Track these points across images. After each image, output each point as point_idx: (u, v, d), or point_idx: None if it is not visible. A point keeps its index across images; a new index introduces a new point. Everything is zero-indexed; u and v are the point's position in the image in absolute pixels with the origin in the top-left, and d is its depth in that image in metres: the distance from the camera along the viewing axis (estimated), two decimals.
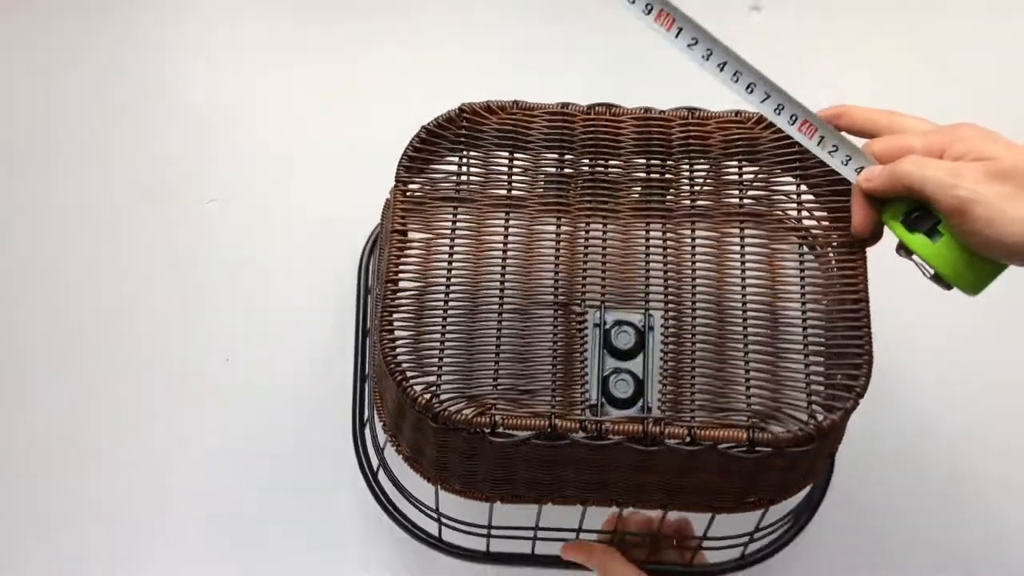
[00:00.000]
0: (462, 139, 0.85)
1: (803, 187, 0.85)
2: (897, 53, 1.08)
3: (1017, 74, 1.08)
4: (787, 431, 0.78)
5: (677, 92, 1.04)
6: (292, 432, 1.07)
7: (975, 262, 0.73)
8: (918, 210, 0.75)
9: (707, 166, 0.86)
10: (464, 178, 0.85)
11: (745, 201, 0.85)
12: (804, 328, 0.82)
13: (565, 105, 0.85)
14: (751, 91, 0.78)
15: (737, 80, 0.78)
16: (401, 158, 0.84)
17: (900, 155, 0.75)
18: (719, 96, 1.04)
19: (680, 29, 0.77)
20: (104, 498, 1.06)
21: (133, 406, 1.07)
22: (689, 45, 0.77)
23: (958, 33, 1.07)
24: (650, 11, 0.77)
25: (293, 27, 1.06)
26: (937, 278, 0.76)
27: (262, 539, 1.06)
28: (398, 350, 0.80)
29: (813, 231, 0.84)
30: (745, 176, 0.86)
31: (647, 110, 0.86)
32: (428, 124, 0.84)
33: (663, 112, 0.86)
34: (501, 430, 0.78)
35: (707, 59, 0.78)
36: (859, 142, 0.78)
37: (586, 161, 0.85)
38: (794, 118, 0.79)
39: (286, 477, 1.07)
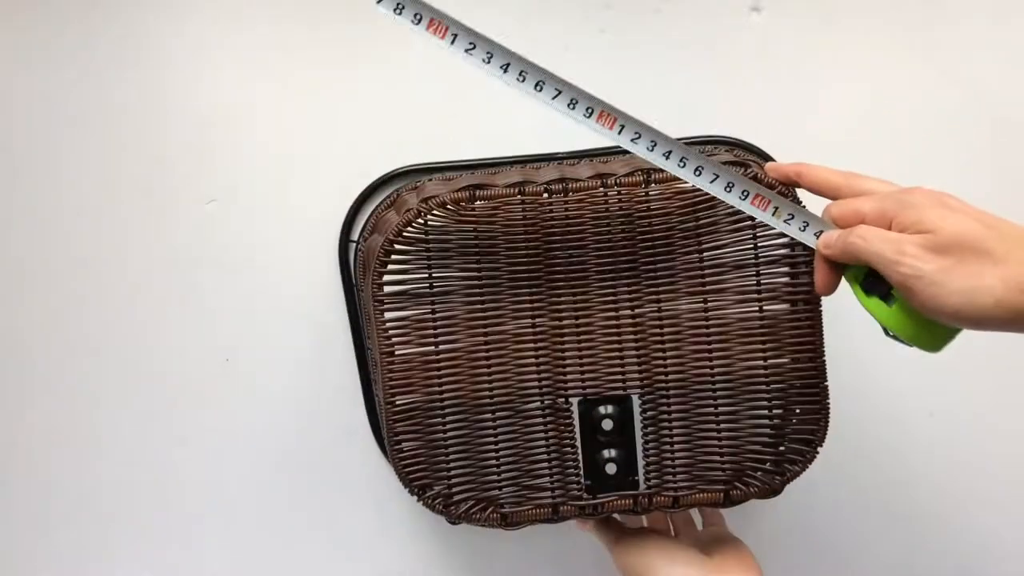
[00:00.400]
0: (426, 246, 0.87)
1: (759, 245, 0.89)
2: (898, 54, 1.06)
3: (1018, 75, 1.08)
4: (756, 486, 0.89)
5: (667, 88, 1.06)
6: (293, 432, 1.09)
7: (929, 324, 0.75)
8: (873, 275, 0.76)
9: (667, 240, 0.89)
10: (437, 288, 0.88)
11: (706, 269, 0.89)
12: (768, 386, 0.90)
13: (522, 188, 0.87)
14: (699, 174, 0.80)
15: (684, 166, 0.79)
16: (373, 275, 0.87)
17: (854, 221, 0.76)
18: (700, 98, 1.06)
19: (622, 126, 0.79)
20: (104, 498, 1.09)
21: (133, 406, 1.08)
22: (633, 139, 0.79)
23: (959, 34, 1.05)
24: (591, 114, 0.79)
25: (294, 27, 1.03)
26: (896, 337, 0.78)
27: (264, 539, 1.11)
28: (409, 467, 0.89)
29: (772, 288, 0.89)
30: (704, 242, 0.89)
31: (603, 180, 0.87)
32: (390, 235, 0.86)
33: (618, 180, 0.87)
34: (511, 521, 0.89)
35: (651, 150, 0.79)
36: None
37: (551, 255, 0.88)
38: (745, 193, 0.80)
39: (287, 477, 1.10)
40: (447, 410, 0.88)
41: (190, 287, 1.07)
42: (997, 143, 1.07)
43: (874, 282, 0.76)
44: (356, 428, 1.09)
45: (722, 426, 0.90)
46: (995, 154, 1.07)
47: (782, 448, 0.90)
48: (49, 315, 1.07)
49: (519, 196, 0.86)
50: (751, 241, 0.88)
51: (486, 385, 0.88)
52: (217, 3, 1.05)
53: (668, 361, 0.89)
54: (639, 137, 0.79)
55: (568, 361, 0.89)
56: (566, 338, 0.89)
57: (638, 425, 0.90)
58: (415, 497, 0.89)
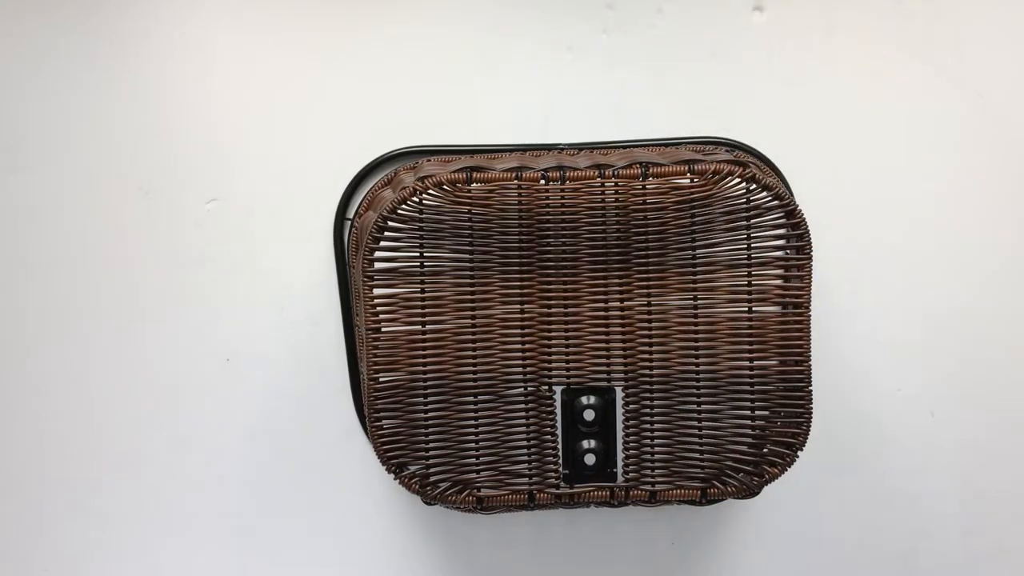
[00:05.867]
0: (419, 224, 0.87)
1: (753, 246, 0.89)
2: (898, 54, 1.05)
3: (1019, 76, 1.07)
4: (735, 485, 0.89)
5: (667, 88, 1.05)
6: (293, 432, 1.09)
7: None
8: None
9: (660, 235, 0.89)
10: (428, 267, 0.88)
11: (698, 266, 0.89)
12: (752, 387, 0.90)
13: (519, 173, 0.87)
14: None
15: None
16: (364, 252, 0.87)
17: None
18: (701, 97, 1.06)
19: None
20: (104, 499, 1.09)
21: (133, 407, 1.08)
22: None
23: (959, 34, 1.05)
24: None
25: (295, 28, 1.03)
26: None
27: (264, 538, 1.10)
28: (387, 445, 0.89)
29: (762, 290, 0.89)
30: (698, 239, 0.89)
31: (601, 171, 0.87)
32: (384, 211, 0.87)
33: (616, 171, 0.87)
34: (487, 505, 0.90)
35: None
36: None
37: (544, 243, 0.88)
38: None
39: (287, 477, 1.09)
40: (429, 390, 0.88)
41: (190, 287, 1.07)
42: (997, 142, 1.06)
43: None
44: (349, 419, 1.08)
45: (704, 424, 0.90)
46: (995, 153, 1.06)
47: (764, 450, 0.90)
48: (49, 314, 1.07)
49: (515, 181, 0.86)
50: (745, 242, 0.88)
51: (470, 368, 0.88)
52: (219, 3, 1.04)
53: (654, 356, 0.89)
54: None
55: (554, 349, 0.89)
56: (553, 326, 0.89)
57: (620, 418, 0.90)
58: (392, 475, 0.89)
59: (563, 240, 0.88)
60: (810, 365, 0.89)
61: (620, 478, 0.90)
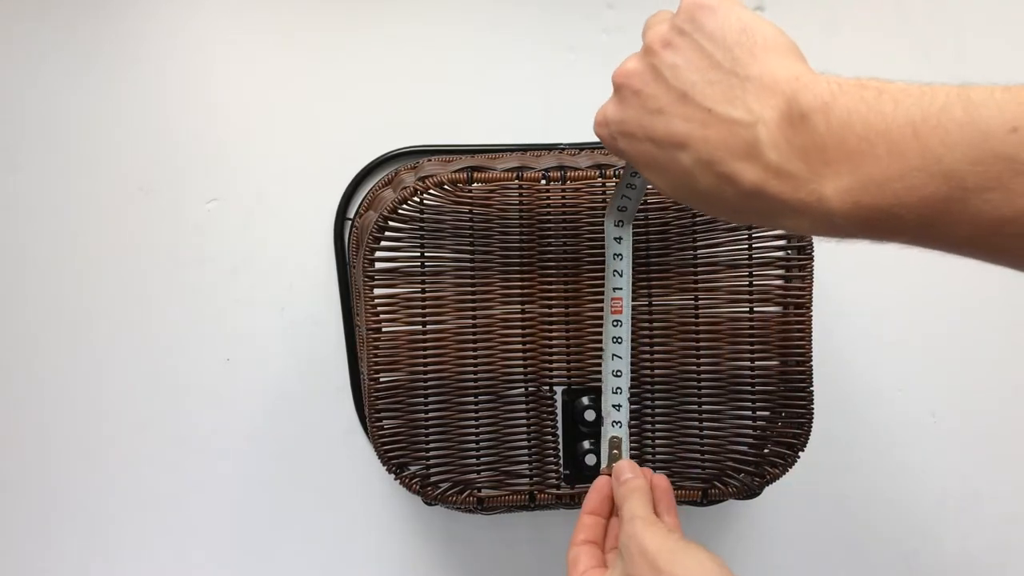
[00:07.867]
0: (420, 224, 0.87)
1: (754, 247, 0.89)
2: (900, 55, 1.05)
3: (1021, 76, 1.06)
4: (736, 485, 0.89)
5: None
6: (293, 432, 1.09)
7: None
8: None
9: (662, 235, 0.89)
10: (429, 267, 0.88)
11: (699, 266, 0.89)
12: (754, 388, 0.90)
13: (520, 173, 0.86)
14: None
15: None
16: (365, 252, 0.87)
17: None
18: None
19: None
20: (103, 498, 1.09)
21: (133, 407, 1.08)
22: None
23: (963, 34, 1.05)
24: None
25: (296, 27, 1.03)
26: None
27: (264, 538, 1.10)
28: (388, 445, 0.89)
29: (764, 290, 0.89)
30: (699, 239, 0.89)
31: (602, 170, 0.87)
32: (385, 211, 0.86)
33: (616, 171, 0.87)
34: (487, 505, 0.90)
35: None
36: None
37: (545, 243, 0.88)
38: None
39: (287, 477, 1.10)
40: (430, 391, 0.88)
41: (190, 287, 1.06)
42: None
43: None
44: (349, 419, 1.08)
45: (705, 424, 0.90)
46: None
47: (765, 451, 0.90)
48: (49, 315, 1.07)
49: (516, 181, 0.86)
50: (746, 242, 0.88)
51: (471, 368, 0.88)
52: (219, 2, 1.04)
53: (655, 356, 0.89)
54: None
55: (555, 350, 0.89)
56: (554, 326, 0.89)
57: None
58: (392, 475, 0.89)
59: (564, 240, 0.88)
60: (811, 365, 0.89)
61: None
